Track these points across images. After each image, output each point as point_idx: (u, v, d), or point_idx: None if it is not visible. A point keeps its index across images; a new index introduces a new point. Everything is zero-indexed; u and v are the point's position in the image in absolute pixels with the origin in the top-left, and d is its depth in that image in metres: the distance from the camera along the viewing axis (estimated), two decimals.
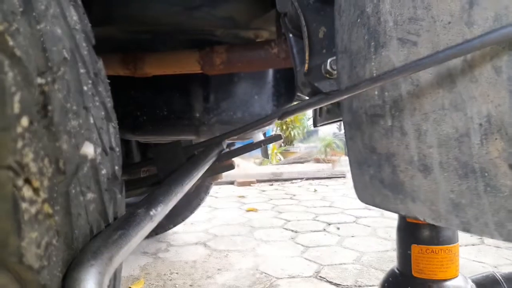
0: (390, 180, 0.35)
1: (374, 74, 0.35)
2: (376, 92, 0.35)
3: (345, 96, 0.39)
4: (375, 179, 0.37)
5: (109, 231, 0.27)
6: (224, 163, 0.59)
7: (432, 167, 0.30)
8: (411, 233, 0.66)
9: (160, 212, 0.34)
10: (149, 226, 0.31)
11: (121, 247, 0.26)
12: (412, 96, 0.31)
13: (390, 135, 0.34)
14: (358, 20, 0.37)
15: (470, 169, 0.27)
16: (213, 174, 0.59)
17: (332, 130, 7.71)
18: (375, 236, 1.91)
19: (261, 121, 0.62)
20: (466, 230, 0.28)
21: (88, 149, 0.28)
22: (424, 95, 0.30)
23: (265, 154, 1.54)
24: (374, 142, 0.37)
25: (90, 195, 0.28)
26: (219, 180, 4.23)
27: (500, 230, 0.26)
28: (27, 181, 0.22)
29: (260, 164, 5.89)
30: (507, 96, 0.24)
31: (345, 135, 0.43)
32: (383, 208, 0.37)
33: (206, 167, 0.54)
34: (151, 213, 0.32)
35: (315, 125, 0.98)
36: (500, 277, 0.69)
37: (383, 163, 0.36)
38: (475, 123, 0.26)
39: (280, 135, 0.65)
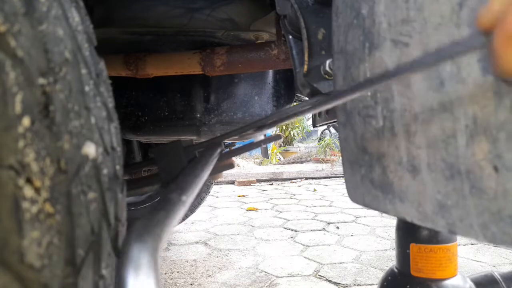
0: (380, 180, 0.35)
1: (368, 75, 0.36)
2: (369, 93, 0.36)
3: (339, 101, 0.39)
4: (366, 179, 0.37)
5: (151, 213, 0.30)
6: (224, 162, 0.59)
7: (420, 168, 0.30)
8: (410, 232, 0.66)
9: (190, 197, 0.36)
10: (183, 211, 0.33)
11: (165, 225, 0.28)
12: (402, 96, 0.31)
13: (381, 135, 0.34)
14: (354, 21, 0.37)
15: (456, 171, 0.27)
16: (214, 173, 0.59)
17: (331, 131, 7.71)
18: (374, 235, 1.91)
19: (261, 122, 0.62)
20: (452, 231, 0.28)
21: (90, 149, 0.28)
22: (414, 96, 0.30)
23: (265, 154, 1.54)
24: (366, 142, 0.37)
25: (91, 195, 0.28)
26: (219, 180, 4.22)
27: (485, 232, 0.26)
28: (29, 180, 0.22)
29: (260, 164, 5.89)
30: (493, 97, 0.24)
31: (339, 136, 0.44)
32: (373, 208, 0.37)
33: (219, 153, 0.58)
34: (183, 198, 0.34)
35: (314, 125, 0.98)
36: (499, 276, 0.69)
37: (374, 163, 0.36)
38: (462, 124, 0.26)
39: (279, 135, 0.65)
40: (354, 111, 0.38)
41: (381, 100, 0.34)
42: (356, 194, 0.40)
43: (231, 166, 0.60)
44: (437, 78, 0.28)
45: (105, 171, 0.31)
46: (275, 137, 0.60)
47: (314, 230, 2.05)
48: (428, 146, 0.29)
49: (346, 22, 0.39)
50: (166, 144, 0.57)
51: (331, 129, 7.11)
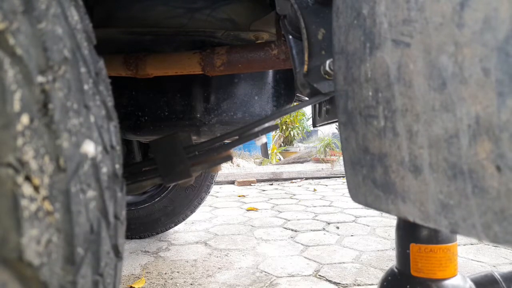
0: (382, 180, 0.35)
1: (369, 75, 0.36)
2: (370, 93, 0.36)
3: None
4: (368, 179, 0.37)
5: None
6: (222, 154, 0.59)
7: (422, 168, 0.30)
8: (410, 232, 0.66)
9: None
10: None
11: None
12: (404, 97, 0.31)
13: (383, 135, 0.34)
14: (355, 21, 0.37)
15: (459, 170, 0.27)
16: (212, 165, 0.59)
17: (331, 130, 7.71)
18: (374, 235, 1.91)
19: (261, 122, 0.62)
20: (454, 231, 0.28)
21: (89, 147, 0.28)
22: (416, 96, 0.30)
23: (265, 154, 1.54)
24: (367, 142, 0.37)
25: (90, 193, 0.28)
26: (219, 180, 4.19)
27: (487, 231, 0.26)
28: (27, 178, 0.22)
29: (260, 164, 5.89)
30: (494, 97, 0.24)
31: (340, 136, 0.44)
32: (375, 208, 0.37)
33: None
34: None
35: (314, 125, 0.98)
36: (499, 276, 0.69)
37: (376, 163, 0.36)
38: (464, 124, 0.26)
39: (277, 124, 0.65)
40: (355, 111, 0.38)
41: (382, 100, 0.34)
42: (358, 194, 0.40)
43: (229, 158, 0.59)
44: (439, 78, 0.28)
45: (104, 169, 0.31)
46: (273, 127, 0.60)
47: (314, 230, 2.05)
48: (430, 146, 0.29)
49: (347, 22, 0.39)
50: (163, 137, 0.56)
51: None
